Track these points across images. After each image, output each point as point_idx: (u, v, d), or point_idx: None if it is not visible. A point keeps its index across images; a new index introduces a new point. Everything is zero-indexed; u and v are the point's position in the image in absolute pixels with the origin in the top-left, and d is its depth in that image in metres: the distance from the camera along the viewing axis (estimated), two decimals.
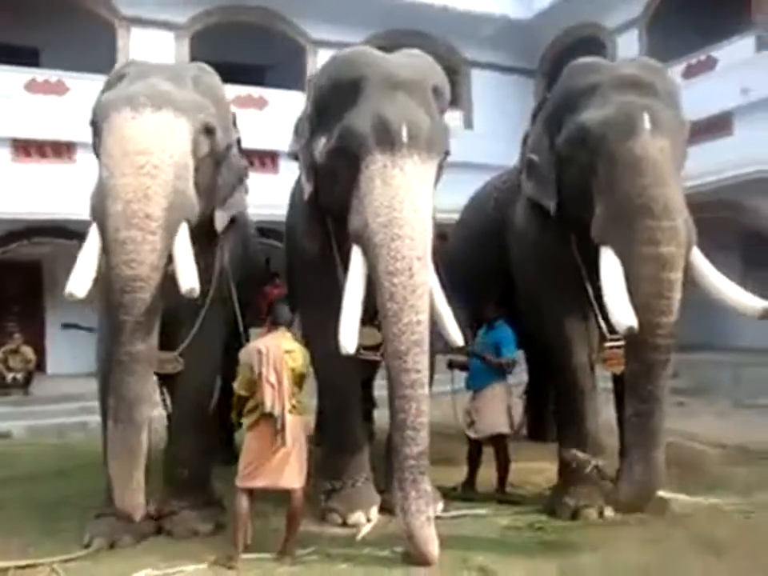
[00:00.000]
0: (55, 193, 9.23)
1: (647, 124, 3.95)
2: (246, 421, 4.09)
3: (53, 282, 10.95)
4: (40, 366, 10.91)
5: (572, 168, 4.31)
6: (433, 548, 3.79)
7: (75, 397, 8.78)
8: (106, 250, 3.76)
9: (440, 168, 4.25)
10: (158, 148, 3.83)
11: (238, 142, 4.73)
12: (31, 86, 10.38)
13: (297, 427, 4.05)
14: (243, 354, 4.12)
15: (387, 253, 3.81)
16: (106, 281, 3.80)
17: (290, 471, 4.00)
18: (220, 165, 4.40)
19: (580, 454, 4.58)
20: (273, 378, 3.96)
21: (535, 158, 4.66)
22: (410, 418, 3.78)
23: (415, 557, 3.82)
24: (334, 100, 4.18)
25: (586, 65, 4.56)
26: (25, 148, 10.06)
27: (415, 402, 3.79)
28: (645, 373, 3.86)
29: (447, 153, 4.30)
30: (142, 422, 3.81)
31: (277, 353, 4.02)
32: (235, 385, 4.08)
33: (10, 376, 9.51)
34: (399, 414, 3.81)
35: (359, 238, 3.97)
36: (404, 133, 3.90)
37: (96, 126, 4.09)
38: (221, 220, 4.45)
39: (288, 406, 3.98)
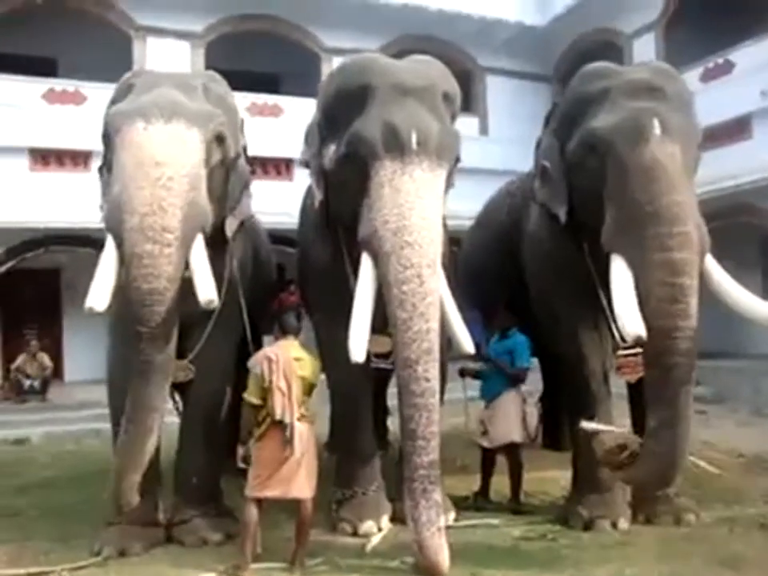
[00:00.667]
0: (73, 201, 9.30)
1: (657, 130, 3.90)
2: (255, 431, 4.06)
3: (71, 289, 11.05)
4: (58, 373, 11.03)
5: (582, 175, 4.25)
6: (443, 559, 3.73)
7: (91, 404, 8.82)
8: (123, 263, 3.78)
9: (450, 174, 4.22)
10: (172, 160, 3.84)
11: (245, 148, 4.74)
12: (49, 96, 10.51)
13: (306, 436, 4.03)
14: (253, 362, 4.11)
15: (397, 260, 3.78)
16: (122, 291, 3.82)
17: (299, 481, 3.98)
18: (229, 172, 4.41)
19: (595, 426, 4.31)
20: (283, 385, 3.95)
21: (548, 165, 4.61)
22: (420, 428, 3.74)
23: (425, 568, 3.76)
24: (343, 107, 4.16)
25: (597, 70, 4.50)
26: (43, 157, 10.19)
27: (426, 411, 3.74)
28: (664, 378, 3.76)
29: (458, 159, 4.27)
30: (154, 428, 3.86)
31: (286, 360, 4.01)
32: (245, 394, 4.05)
33: (27, 383, 9.61)
34: (410, 423, 3.76)
35: (368, 246, 3.94)
36: (413, 139, 3.88)
37: (108, 138, 4.10)
38: (230, 227, 4.46)
39: (297, 414, 3.96)
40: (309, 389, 4.14)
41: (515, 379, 5.17)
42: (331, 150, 4.22)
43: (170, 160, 3.82)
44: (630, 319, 3.73)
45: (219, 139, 4.18)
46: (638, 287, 3.82)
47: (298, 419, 3.96)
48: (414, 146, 3.88)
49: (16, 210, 9.54)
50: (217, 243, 4.40)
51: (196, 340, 4.56)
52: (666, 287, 3.70)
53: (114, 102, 4.38)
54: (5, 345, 10.91)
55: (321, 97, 4.44)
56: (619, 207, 3.96)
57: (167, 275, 3.71)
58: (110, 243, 3.85)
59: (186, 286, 3.87)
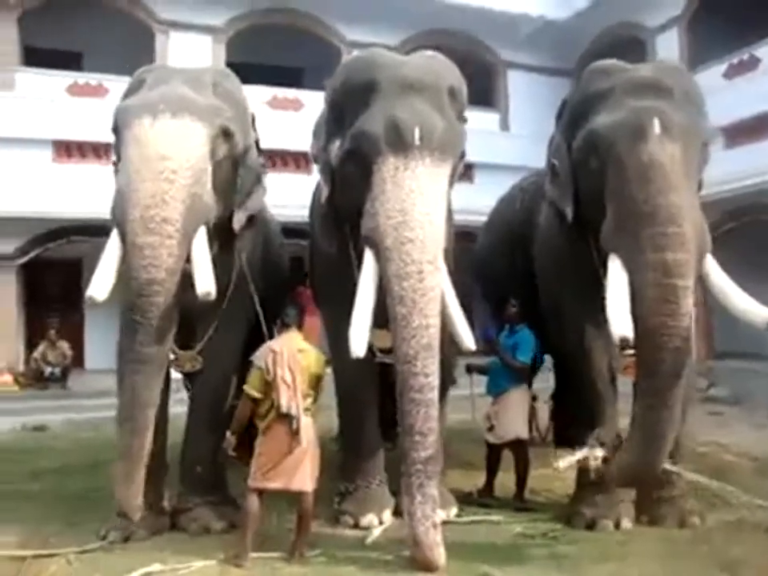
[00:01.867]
0: (94, 192, 9.37)
1: (657, 129, 3.85)
2: (260, 424, 4.10)
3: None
4: (79, 361, 11.24)
5: (586, 174, 4.24)
6: (437, 554, 3.75)
7: (110, 392, 8.70)
8: (125, 254, 3.84)
9: (455, 170, 4.21)
10: (176, 153, 3.90)
11: (257, 142, 4.78)
12: (72, 89, 10.71)
13: (310, 429, 4.07)
14: (257, 355, 4.15)
15: (398, 256, 3.80)
16: (126, 281, 3.88)
17: (302, 474, 4.01)
18: (238, 167, 4.46)
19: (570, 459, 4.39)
20: (288, 378, 3.99)
21: (557, 162, 4.60)
22: (417, 423, 3.75)
23: (420, 562, 3.79)
24: (348, 102, 4.19)
25: (603, 68, 4.47)
26: (66, 149, 10.40)
27: (424, 407, 3.76)
28: (653, 372, 3.76)
29: (463, 155, 4.26)
30: (146, 426, 3.86)
31: (290, 352, 4.06)
32: (246, 386, 4.09)
33: (48, 370, 9.80)
34: (407, 418, 3.78)
35: (371, 241, 3.96)
36: (416, 135, 3.88)
37: (117, 132, 4.18)
38: (238, 221, 4.51)
39: (303, 406, 4.00)
40: (315, 381, 4.17)
41: (521, 374, 5.16)
42: (336, 145, 4.24)
43: (173, 154, 3.88)
44: (617, 321, 3.72)
45: (225, 134, 4.23)
46: (632, 287, 3.80)
47: (303, 411, 4.00)
48: (417, 142, 3.88)
49: (39, 201, 9.76)
50: (225, 237, 4.46)
51: (205, 331, 4.63)
52: (659, 288, 3.67)
53: (126, 96, 4.46)
54: (28, 333, 11.12)
55: (327, 92, 4.46)
56: (617, 206, 3.94)
57: (167, 266, 3.76)
58: (114, 235, 3.92)
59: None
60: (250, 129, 4.67)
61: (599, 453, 4.22)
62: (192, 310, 4.23)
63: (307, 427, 4.02)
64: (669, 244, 3.68)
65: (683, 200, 3.77)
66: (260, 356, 4.11)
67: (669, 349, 3.69)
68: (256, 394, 4.05)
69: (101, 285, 3.81)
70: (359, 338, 3.83)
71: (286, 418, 3.97)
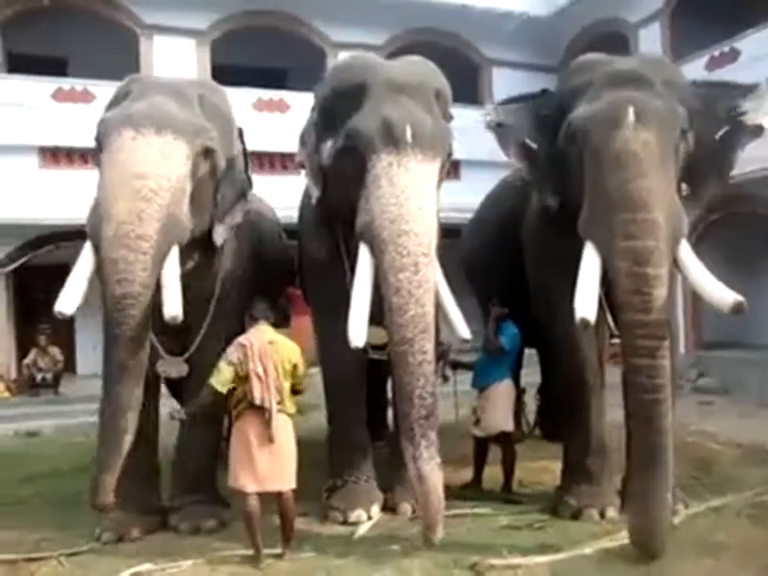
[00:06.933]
0: (82, 199, 9.39)
1: (631, 117, 3.87)
2: (233, 412, 4.12)
3: None
4: (71, 366, 11.24)
5: (569, 165, 4.28)
6: (440, 495, 3.75)
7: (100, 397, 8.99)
8: (99, 268, 3.87)
9: (443, 169, 4.29)
10: (156, 172, 3.90)
11: (244, 155, 4.80)
12: (58, 95, 10.64)
13: (286, 425, 4.07)
14: (228, 351, 4.10)
15: (394, 249, 3.87)
16: (101, 296, 3.91)
17: (278, 473, 4.01)
18: (221, 182, 4.47)
19: None
20: (260, 371, 3.99)
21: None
22: (417, 389, 3.76)
23: (422, 501, 3.79)
24: (339, 105, 4.28)
25: (584, 62, 4.51)
26: (53, 155, 10.38)
27: (423, 376, 3.79)
28: (631, 378, 3.73)
29: (450, 154, 4.35)
30: (126, 429, 3.85)
31: (260, 345, 4.06)
32: (212, 381, 4.03)
33: (39, 376, 9.80)
34: (407, 386, 3.78)
35: (366, 235, 4.02)
36: (408, 133, 3.99)
37: (99, 143, 4.17)
38: (219, 235, 4.51)
39: (276, 399, 3.99)
40: (293, 371, 4.13)
41: (506, 368, 5.24)
42: (329, 145, 4.32)
43: (153, 173, 3.88)
44: (581, 302, 3.77)
45: (207, 152, 4.23)
46: (608, 276, 3.83)
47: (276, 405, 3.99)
48: (409, 139, 3.99)
49: (27, 208, 9.74)
50: (206, 248, 4.49)
51: (193, 338, 4.65)
52: (631, 277, 3.68)
53: (110, 106, 4.44)
54: (19, 340, 11.10)
55: (317, 98, 4.54)
56: (592, 195, 3.98)
57: (141, 281, 3.78)
58: (86, 248, 3.93)
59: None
60: (234, 143, 4.66)
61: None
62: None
63: (283, 422, 4.03)
64: (639, 231, 3.69)
65: (655, 186, 3.77)
66: (231, 351, 4.09)
67: (644, 352, 3.63)
68: (220, 388, 4.02)
69: (69, 298, 3.83)
70: (358, 329, 3.87)
71: (259, 410, 3.97)
